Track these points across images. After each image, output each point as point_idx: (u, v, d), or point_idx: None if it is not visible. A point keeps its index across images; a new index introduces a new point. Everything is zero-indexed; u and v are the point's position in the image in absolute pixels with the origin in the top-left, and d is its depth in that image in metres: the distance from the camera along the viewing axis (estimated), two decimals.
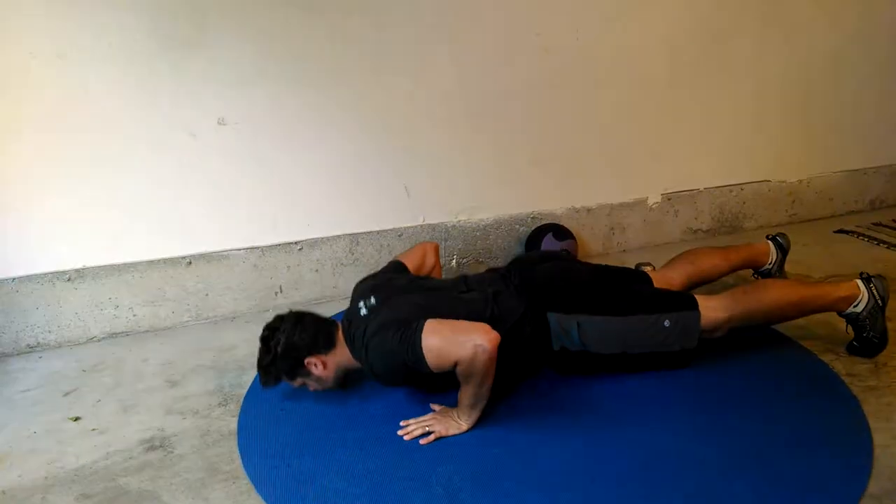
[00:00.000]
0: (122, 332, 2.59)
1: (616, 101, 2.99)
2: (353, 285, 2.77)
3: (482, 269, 2.85)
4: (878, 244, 3.17)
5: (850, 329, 2.22)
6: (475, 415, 1.91)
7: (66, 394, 2.23)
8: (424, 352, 1.76)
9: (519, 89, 2.82)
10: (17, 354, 2.47)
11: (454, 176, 2.87)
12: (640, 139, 3.09)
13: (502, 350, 1.81)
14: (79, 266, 2.46)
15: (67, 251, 2.44)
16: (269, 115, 2.52)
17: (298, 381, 2.03)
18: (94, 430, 2.03)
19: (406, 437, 1.89)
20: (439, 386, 2.01)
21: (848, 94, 3.40)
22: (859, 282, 2.17)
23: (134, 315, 2.58)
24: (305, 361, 1.97)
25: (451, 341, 1.77)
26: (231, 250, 2.63)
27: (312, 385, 2.04)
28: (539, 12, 2.74)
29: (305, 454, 1.85)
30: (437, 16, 2.62)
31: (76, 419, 2.08)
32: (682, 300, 2.09)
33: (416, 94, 2.69)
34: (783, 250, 2.59)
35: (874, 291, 2.14)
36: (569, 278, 2.17)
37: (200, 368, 2.34)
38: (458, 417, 1.92)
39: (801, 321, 2.39)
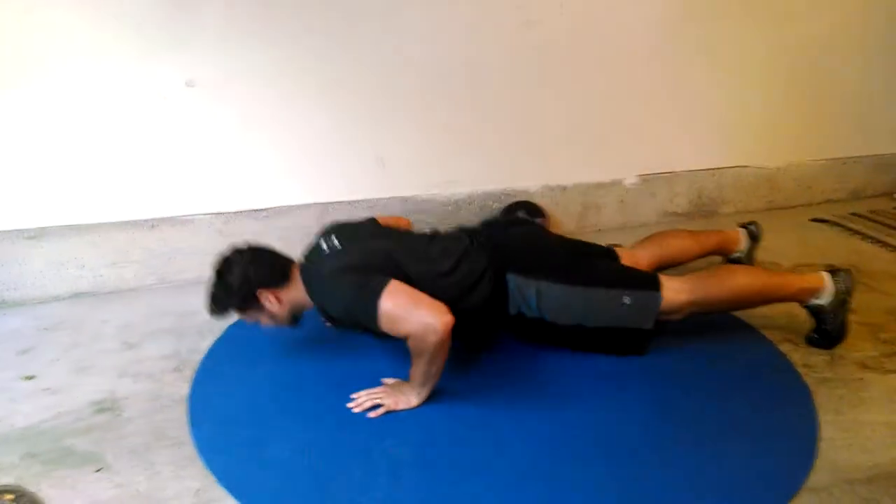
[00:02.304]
0: (87, 293, 2.58)
1: (596, 79, 2.94)
2: None
3: None
4: (853, 234, 3.16)
5: (810, 319, 2.21)
6: (425, 392, 1.91)
7: (23, 352, 2.22)
8: (379, 313, 1.75)
9: (497, 63, 2.78)
10: None
11: (429, 148, 2.84)
12: (619, 118, 3.05)
13: (459, 309, 1.80)
14: (42, 225, 2.44)
15: (30, 209, 2.42)
16: (240, 77, 2.49)
17: (251, 315, 2.00)
18: (46, 389, 2.03)
19: (355, 409, 1.89)
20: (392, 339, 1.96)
21: (832, 82, 3.35)
22: (825, 274, 2.14)
23: (99, 276, 2.57)
24: (258, 295, 1.94)
25: (406, 312, 1.76)
26: (196, 215, 2.61)
27: (265, 320, 2.01)
28: None
29: (253, 423, 1.86)
30: None
31: (30, 378, 2.08)
32: (645, 279, 2.07)
33: (391, 63, 2.65)
34: (754, 239, 2.58)
35: (839, 285, 2.12)
36: (534, 242, 2.16)
37: (159, 332, 2.33)
38: (409, 392, 1.91)
39: (763, 309, 2.39)
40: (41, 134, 2.34)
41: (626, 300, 2.01)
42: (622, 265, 2.23)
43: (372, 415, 1.87)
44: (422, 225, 2.92)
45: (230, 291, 1.94)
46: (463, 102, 2.80)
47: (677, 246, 2.43)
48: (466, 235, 2.13)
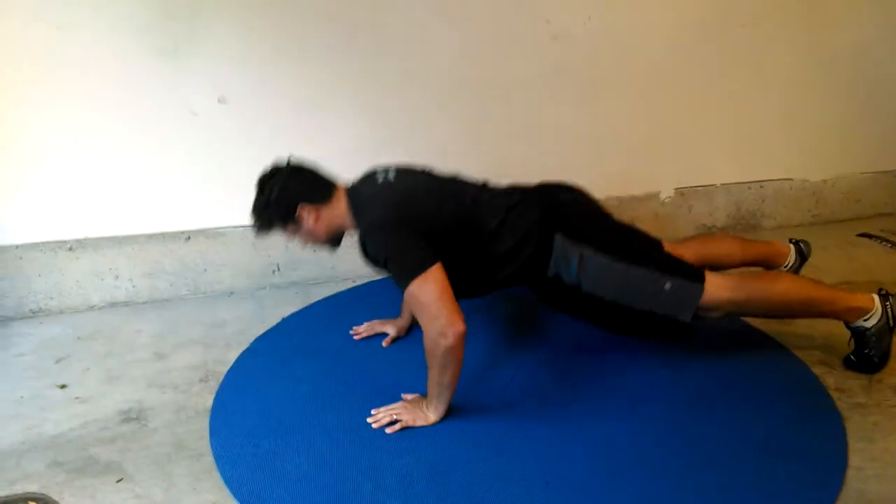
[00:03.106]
0: (122, 303, 2.65)
1: (629, 91, 2.90)
2: (350, 267, 2.84)
3: None
4: None
5: (851, 342, 2.12)
6: (442, 407, 1.90)
7: (59, 360, 2.30)
8: (406, 292, 1.77)
9: (525, 77, 2.76)
10: (20, 318, 2.56)
11: (454, 164, 2.79)
12: (654, 131, 3.00)
13: (501, 257, 1.83)
14: (80, 237, 2.53)
15: (69, 222, 2.50)
16: (270, 94, 2.53)
17: (290, 231, 2.01)
18: (77, 398, 2.09)
19: (374, 426, 1.89)
20: None
21: (882, 91, 3.23)
22: (876, 297, 2.05)
23: (133, 286, 2.64)
24: (298, 210, 1.95)
25: (428, 305, 1.76)
26: (229, 227, 2.67)
27: (304, 238, 2.03)
28: None
29: (271, 436, 1.87)
30: None
31: (62, 387, 2.15)
32: (690, 270, 2.01)
33: (417, 78, 2.66)
34: (802, 257, 2.48)
35: (889, 310, 2.03)
36: (587, 210, 2.11)
37: (189, 343, 2.38)
38: (426, 409, 1.91)
39: (800, 329, 2.32)
40: (79, 150, 2.42)
41: (668, 286, 1.95)
42: (670, 253, 2.14)
43: (389, 430, 1.87)
44: None
45: (269, 204, 1.94)
46: (491, 117, 2.80)
47: (721, 248, 2.36)
48: (520, 192, 2.10)
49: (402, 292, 1.80)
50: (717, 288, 1.98)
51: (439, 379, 1.83)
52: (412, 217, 1.88)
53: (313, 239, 2.03)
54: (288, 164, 2.00)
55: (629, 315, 2.02)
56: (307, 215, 1.95)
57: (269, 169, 1.99)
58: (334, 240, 2.06)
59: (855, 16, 3.06)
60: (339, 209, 1.98)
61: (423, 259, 1.79)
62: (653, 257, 2.03)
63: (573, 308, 2.10)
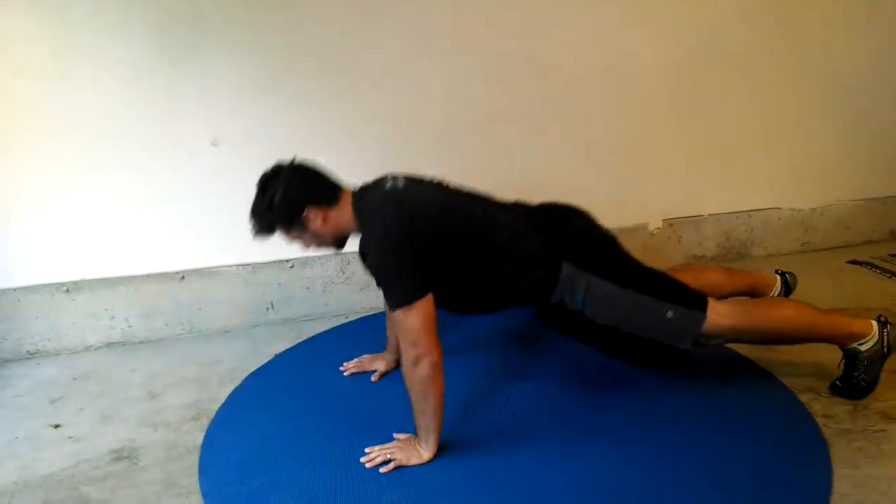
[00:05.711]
0: (118, 343, 2.69)
1: (615, 124, 2.96)
2: (344, 303, 2.87)
3: None
4: (890, 277, 3.05)
5: (841, 365, 2.12)
6: (433, 441, 1.90)
7: (54, 401, 2.33)
8: (393, 312, 1.79)
9: (514, 111, 2.83)
10: (18, 360, 2.60)
11: None
12: (641, 163, 3.05)
13: (508, 277, 1.86)
14: (76, 278, 2.58)
15: (65, 264, 2.56)
16: (262, 133, 2.59)
17: (294, 234, 1.96)
18: (70, 437, 2.11)
19: (368, 465, 1.89)
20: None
21: (868, 118, 3.29)
22: (875, 322, 2.08)
23: (129, 326, 2.68)
24: (305, 212, 1.90)
25: (408, 334, 1.78)
26: (223, 266, 2.71)
27: (308, 241, 1.98)
28: (535, 35, 2.74)
29: (259, 472, 1.89)
30: (430, 36, 2.66)
31: (56, 426, 2.18)
32: (694, 297, 2.02)
33: (408, 115, 2.72)
34: (788, 288, 2.52)
35: (885, 337, 2.05)
36: (593, 236, 2.11)
37: (182, 381, 2.41)
38: (419, 446, 1.92)
39: (787, 356, 2.34)
40: (74, 193, 2.49)
41: (670, 314, 1.96)
42: (675, 278, 2.13)
43: (383, 470, 1.87)
44: None
45: (272, 206, 1.88)
46: (479, 151, 2.85)
47: (710, 279, 2.37)
48: (524, 213, 2.08)
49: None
50: (719, 315, 1.99)
51: (422, 406, 1.85)
52: (413, 235, 1.84)
53: (318, 241, 1.98)
54: (292, 163, 1.94)
55: (630, 341, 2.02)
56: (314, 218, 1.91)
57: (271, 168, 1.93)
58: (339, 241, 2.02)
59: (840, 45, 3.13)
60: (345, 212, 1.94)
61: (413, 288, 1.79)
62: (658, 284, 2.03)
63: (574, 332, 2.09)
